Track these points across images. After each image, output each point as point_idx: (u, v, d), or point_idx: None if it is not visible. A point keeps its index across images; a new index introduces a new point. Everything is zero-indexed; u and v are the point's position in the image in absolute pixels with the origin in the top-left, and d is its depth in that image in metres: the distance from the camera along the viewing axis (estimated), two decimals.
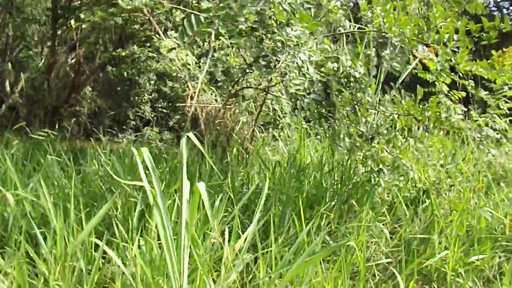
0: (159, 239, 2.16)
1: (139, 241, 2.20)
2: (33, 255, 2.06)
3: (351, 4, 4.39)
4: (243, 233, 2.32)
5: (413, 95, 3.26)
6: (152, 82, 8.44)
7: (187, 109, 4.58)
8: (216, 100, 4.82)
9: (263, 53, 2.70)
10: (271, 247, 2.42)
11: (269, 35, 2.71)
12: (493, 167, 4.11)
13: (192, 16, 2.40)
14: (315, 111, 2.91)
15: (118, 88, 10.40)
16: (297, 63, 2.76)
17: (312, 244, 2.23)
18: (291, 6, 2.70)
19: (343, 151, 3.09)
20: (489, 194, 3.64)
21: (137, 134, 10.99)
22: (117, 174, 3.23)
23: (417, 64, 4.06)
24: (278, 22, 2.65)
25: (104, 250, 2.18)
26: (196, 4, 3.35)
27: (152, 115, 11.35)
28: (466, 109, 5.08)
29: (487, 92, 4.78)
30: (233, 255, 2.19)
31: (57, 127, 6.45)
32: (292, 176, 3.59)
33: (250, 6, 2.56)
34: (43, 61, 7.29)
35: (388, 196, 3.26)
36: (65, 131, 8.06)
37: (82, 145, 6.41)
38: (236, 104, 4.78)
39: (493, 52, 3.46)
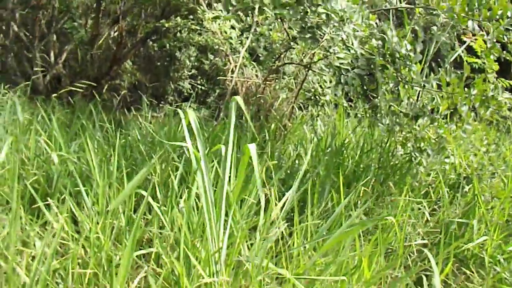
0: (198, 204, 2.19)
1: (178, 205, 2.23)
2: (75, 209, 2.11)
3: None
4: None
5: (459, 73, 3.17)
6: (192, 58, 8.46)
7: (228, 82, 4.58)
8: (257, 76, 4.80)
9: (308, 25, 2.67)
10: (307, 220, 2.43)
11: (313, 8, 2.67)
12: None
13: None
14: (358, 87, 2.87)
15: (158, 64, 10.47)
16: (341, 36, 2.71)
17: (351, 218, 2.22)
18: None
19: (384, 129, 3.03)
20: None
21: (176, 109, 11.10)
22: (159, 139, 3.28)
23: (465, 48, 3.95)
24: None
25: (144, 212, 2.23)
26: None
27: (191, 92, 11.42)
28: None
29: None
30: (269, 223, 2.20)
31: (98, 97, 6.57)
32: (331, 153, 3.57)
33: None
34: (86, 33, 7.38)
35: (428, 179, 3.20)
36: (106, 102, 8.22)
37: (122, 116, 6.50)
38: (277, 80, 4.76)
39: None
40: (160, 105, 11.69)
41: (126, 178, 2.37)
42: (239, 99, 2.15)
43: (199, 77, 10.49)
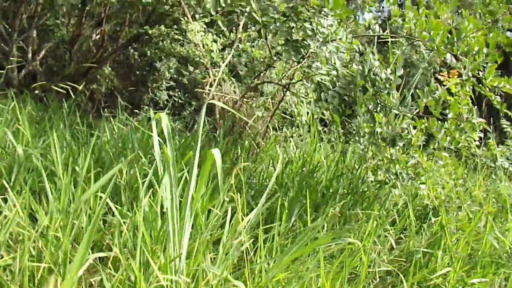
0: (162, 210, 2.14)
1: (143, 209, 2.17)
2: (33, 203, 2.03)
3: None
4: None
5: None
6: (172, 70, 8.44)
7: (205, 95, 4.56)
8: (235, 92, 4.79)
9: (293, 38, 2.68)
10: (273, 238, 2.40)
11: (299, 23, 2.69)
12: (503, 196, 4.05)
13: None
14: (337, 106, 2.87)
15: (137, 72, 10.40)
16: (325, 54, 2.73)
17: (315, 238, 2.19)
18: None
19: (361, 149, 3.05)
20: (496, 222, 3.58)
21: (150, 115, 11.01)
22: (130, 144, 3.22)
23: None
24: (311, 9, 2.63)
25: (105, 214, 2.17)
26: None
27: (167, 103, 11.35)
28: (483, 136, 5.02)
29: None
30: (233, 236, 2.16)
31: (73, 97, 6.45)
32: (302, 176, 3.56)
33: None
34: (68, 32, 7.30)
35: (398, 203, 3.22)
36: (81, 104, 8.07)
37: (95, 120, 6.40)
38: (254, 98, 4.75)
39: None
40: (136, 113, 11.61)
41: (93, 179, 2.31)
42: (216, 102, 2.12)
43: (177, 89, 10.46)
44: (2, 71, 5.73)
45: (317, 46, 2.60)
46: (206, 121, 5.00)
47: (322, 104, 2.80)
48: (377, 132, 3.15)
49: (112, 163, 2.82)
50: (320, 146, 4.89)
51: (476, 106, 3.67)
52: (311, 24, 2.61)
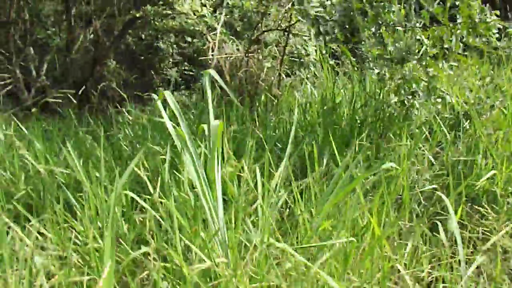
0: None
1: (172, 194, 2.15)
2: (70, 221, 2.04)
3: None
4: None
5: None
6: (175, 46, 8.35)
7: (209, 61, 4.47)
8: (238, 50, 4.69)
9: None
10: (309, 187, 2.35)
11: None
12: None
13: None
14: (339, 34, 2.74)
15: (142, 58, 10.33)
16: None
17: (348, 171, 2.13)
18: None
19: (376, 75, 2.93)
20: None
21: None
22: (146, 135, 3.19)
23: None
24: None
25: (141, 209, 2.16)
26: None
27: (180, 79, 11.30)
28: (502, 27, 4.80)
29: None
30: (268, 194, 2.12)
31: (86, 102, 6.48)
32: (325, 113, 3.47)
33: None
34: (61, 39, 7.25)
35: (426, 121, 3.10)
36: (94, 105, 8.10)
37: (110, 116, 6.41)
38: (259, 50, 4.64)
39: None
40: (151, 97, 11.60)
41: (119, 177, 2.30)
42: (212, 72, 2.06)
43: (185, 63, 10.37)
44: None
45: None
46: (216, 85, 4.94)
47: (324, 38, 2.68)
48: (390, 51, 3.00)
49: (130, 157, 2.81)
50: (337, 80, 4.77)
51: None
52: None
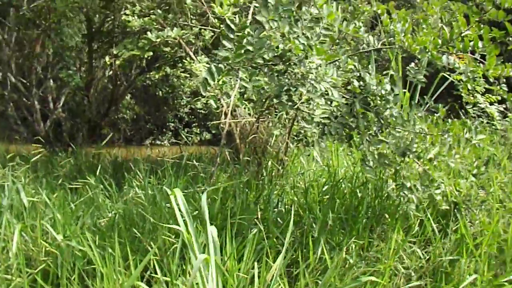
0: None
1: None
2: None
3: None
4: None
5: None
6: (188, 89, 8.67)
7: (222, 125, 4.71)
8: (250, 114, 4.94)
9: (285, 88, 2.80)
10: (303, 275, 2.57)
11: (289, 69, 2.80)
12: None
13: (212, 65, 2.51)
14: (344, 133, 2.97)
15: (156, 94, 10.63)
16: (320, 90, 2.80)
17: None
18: (308, 38, 2.76)
19: (371, 172, 3.14)
20: None
21: (178, 136, 11.29)
22: (158, 207, 3.39)
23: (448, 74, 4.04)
24: (296, 56, 2.72)
25: None
26: (222, 28, 3.45)
27: (192, 117, 11.57)
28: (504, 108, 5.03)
29: None
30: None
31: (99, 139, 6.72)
32: (326, 194, 3.69)
33: (268, 45, 2.65)
34: (81, 78, 7.56)
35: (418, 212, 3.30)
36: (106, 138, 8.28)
37: (123, 157, 6.66)
38: (270, 117, 4.89)
39: None
40: (163, 132, 11.89)
41: (131, 256, 2.52)
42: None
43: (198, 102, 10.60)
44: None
45: (308, 91, 2.70)
46: (228, 147, 5.18)
47: (327, 137, 2.92)
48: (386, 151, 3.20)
49: (144, 233, 3.02)
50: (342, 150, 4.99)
51: None
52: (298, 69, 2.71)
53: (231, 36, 2.51)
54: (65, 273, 2.57)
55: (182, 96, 10.45)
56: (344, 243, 2.98)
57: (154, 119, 11.38)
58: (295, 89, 2.78)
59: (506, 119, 4.88)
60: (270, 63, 2.84)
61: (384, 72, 4.38)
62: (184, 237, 2.25)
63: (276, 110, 5.06)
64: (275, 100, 2.83)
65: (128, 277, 2.32)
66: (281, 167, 4.64)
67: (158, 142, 11.39)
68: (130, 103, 10.78)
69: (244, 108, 4.90)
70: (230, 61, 2.52)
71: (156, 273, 2.50)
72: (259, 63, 2.65)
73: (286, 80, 2.84)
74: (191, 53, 4.56)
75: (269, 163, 4.65)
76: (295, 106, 2.78)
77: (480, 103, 4.78)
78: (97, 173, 4.73)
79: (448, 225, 3.28)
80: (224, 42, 2.51)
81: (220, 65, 2.49)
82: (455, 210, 3.42)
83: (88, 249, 2.47)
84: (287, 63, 2.82)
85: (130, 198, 3.68)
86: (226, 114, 4.62)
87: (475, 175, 3.64)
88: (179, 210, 2.37)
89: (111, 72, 8.24)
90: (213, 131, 8.96)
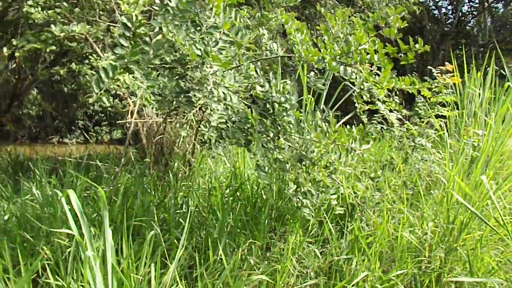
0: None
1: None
2: None
3: None
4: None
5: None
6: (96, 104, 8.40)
7: (127, 125, 4.63)
8: (157, 115, 4.89)
9: (183, 89, 2.79)
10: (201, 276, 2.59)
11: (188, 73, 2.80)
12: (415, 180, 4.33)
13: (107, 64, 2.46)
14: (241, 137, 3.01)
15: (63, 90, 10.20)
16: (218, 96, 2.81)
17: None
18: (205, 44, 2.75)
19: (266, 178, 3.18)
20: (415, 205, 3.85)
21: (88, 133, 10.91)
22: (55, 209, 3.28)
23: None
24: (194, 61, 2.72)
25: None
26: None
27: (102, 115, 11.23)
28: (405, 114, 5.30)
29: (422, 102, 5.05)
30: None
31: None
32: (230, 196, 3.73)
33: (165, 48, 2.63)
34: None
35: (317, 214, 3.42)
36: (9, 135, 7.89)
37: (26, 155, 6.36)
38: (177, 118, 4.86)
39: None
40: (71, 129, 11.45)
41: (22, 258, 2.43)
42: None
43: (112, 100, 10.30)
44: None
45: (205, 96, 2.72)
46: (134, 147, 5.10)
47: (225, 141, 2.94)
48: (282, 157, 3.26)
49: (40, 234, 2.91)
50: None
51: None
52: (195, 73, 2.72)
53: (128, 34, 2.46)
54: None
55: (91, 93, 10.09)
56: (242, 243, 3.04)
57: (62, 116, 10.93)
58: (193, 93, 2.79)
59: (404, 126, 5.16)
60: (168, 65, 2.83)
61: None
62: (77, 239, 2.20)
63: (185, 112, 5.05)
64: (175, 101, 2.80)
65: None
66: (188, 168, 4.63)
67: (66, 140, 10.97)
68: (37, 99, 10.29)
69: (152, 108, 4.84)
70: (126, 60, 2.47)
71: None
72: (157, 64, 2.62)
73: (187, 84, 2.83)
74: (98, 50, 4.44)
75: (176, 164, 4.63)
76: (195, 110, 2.78)
77: (381, 111, 5.02)
78: None
79: (343, 230, 3.44)
80: (121, 40, 2.46)
81: (115, 63, 2.45)
82: (353, 212, 3.59)
83: None
84: (186, 67, 2.82)
85: (26, 199, 3.52)
86: (132, 113, 4.55)
87: (372, 178, 3.84)
88: (73, 212, 2.30)
89: (14, 65, 7.82)
90: (123, 131, 8.75)
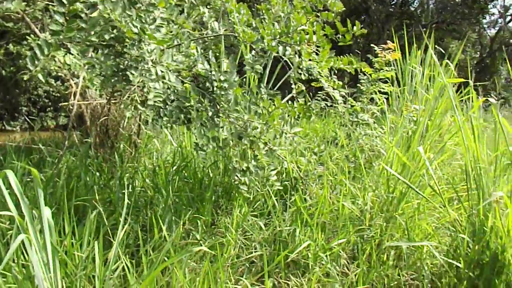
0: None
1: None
2: None
3: None
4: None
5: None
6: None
7: (70, 107, 4.56)
8: (101, 96, 4.83)
9: (120, 67, 2.77)
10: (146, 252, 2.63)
11: (126, 51, 2.78)
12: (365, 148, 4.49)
13: (42, 41, 2.43)
14: (181, 116, 3.02)
15: (4, 73, 9.83)
16: (156, 73, 2.81)
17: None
18: (142, 22, 2.74)
19: (205, 157, 3.21)
20: (357, 177, 3.99)
21: (31, 121, 10.60)
22: None
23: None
24: (130, 39, 2.71)
25: None
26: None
27: (46, 101, 10.92)
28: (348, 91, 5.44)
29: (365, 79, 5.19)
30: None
31: None
32: (176, 174, 3.76)
33: (102, 24, 2.60)
34: None
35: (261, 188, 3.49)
36: None
37: None
38: (122, 99, 4.81)
39: None
40: (15, 116, 11.11)
41: None
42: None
43: (54, 82, 10.08)
44: None
45: (142, 74, 2.71)
46: (78, 130, 5.02)
47: (162, 120, 2.95)
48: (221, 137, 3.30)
49: None
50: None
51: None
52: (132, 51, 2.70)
53: (62, 10, 2.43)
54: None
55: (34, 78, 9.83)
56: (186, 218, 3.08)
57: (4, 102, 10.57)
58: (130, 71, 2.77)
59: (347, 103, 5.28)
60: (105, 43, 2.80)
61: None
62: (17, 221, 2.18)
63: (129, 93, 5.01)
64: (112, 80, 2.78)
65: None
66: (134, 149, 4.61)
67: (9, 128, 10.64)
68: None
69: (95, 89, 4.77)
70: (61, 36, 2.44)
71: None
72: (94, 41, 2.60)
73: (126, 62, 2.82)
74: (36, 30, 4.33)
75: (122, 145, 4.60)
76: (133, 88, 2.77)
77: (325, 88, 5.11)
78: None
79: (286, 203, 3.53)
80: (56, 16, 2.43)
81: (50, 40, 2.41)
82: (296, 185, 3.69)
83: None
84: (123, 45, 2.80)
85: None
86: (75, 95, 4.48)
87: (315, 153, 3.95)
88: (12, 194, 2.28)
89: None
90: (69, 115, 8.59)
